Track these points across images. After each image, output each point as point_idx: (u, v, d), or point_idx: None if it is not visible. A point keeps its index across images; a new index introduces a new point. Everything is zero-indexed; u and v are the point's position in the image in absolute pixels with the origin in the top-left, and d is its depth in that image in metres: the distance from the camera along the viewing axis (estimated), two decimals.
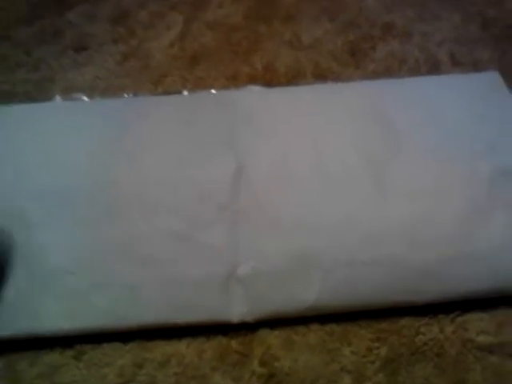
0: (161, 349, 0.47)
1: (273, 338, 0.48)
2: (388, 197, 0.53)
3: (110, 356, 0.47)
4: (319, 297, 0.48)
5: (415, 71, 0.67)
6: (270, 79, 0.67)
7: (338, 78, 0.66)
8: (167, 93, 0.66)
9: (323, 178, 0.55)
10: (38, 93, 0.68)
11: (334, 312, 0.49)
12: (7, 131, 0.60)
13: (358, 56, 0.69)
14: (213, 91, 0.64)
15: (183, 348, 0.47)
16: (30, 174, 0.57)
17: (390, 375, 0.46)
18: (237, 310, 0.48)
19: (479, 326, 0.48)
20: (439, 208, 0.52)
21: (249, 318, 0.48)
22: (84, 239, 0.52)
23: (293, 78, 0.67)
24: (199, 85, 0.67)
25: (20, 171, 0.57)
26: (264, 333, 0.48)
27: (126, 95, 0.66)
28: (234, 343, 0.48)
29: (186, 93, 0.65)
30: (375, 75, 0.66)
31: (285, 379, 0.46)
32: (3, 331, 0.45)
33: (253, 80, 0.67)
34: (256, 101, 0.61)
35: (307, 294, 0.48)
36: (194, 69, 0.69)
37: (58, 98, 0.65)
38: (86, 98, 0.66)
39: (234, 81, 0.67)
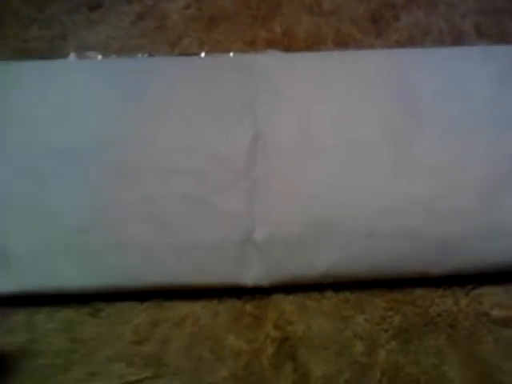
0: (176, 309, 0.47)
1: (287, 303, 0.48)
2: (409, 170, 0.52)
3: (126, 314, 0.47)
4: (335, 264, 0.48)
5: (439, 42, 0.65)
6: (289, 45, 0.65)
7: (359, 45, 0.64)
8: (184, 54, 0.64)
9: (343, 148, 0.54)
10: (50, 50, 0.66)
11: (349, 280, 0.49)
12: (19, 88, 0.59)
13: (380, 24, 0.67)
14: (231, 54, 0.63)
15: (198, 309, 0.47)
16: (42, 133, 0.56)
17: (402, 343, 0.46)
18: (252, 274, 0.48)
19: (494, 299, 0.49)
20: (459, 182, 0.52)
21: (264, 283, 0.48)
22: (98, 200, 0.51)
23: (313, 44, 0.65)
24: (217, 48, 0.65)
25: (33, 129, 0.56)
26: (278, 298, 0.48)
27: (141, 56, 0.64)
28: (249, 306, 0.48)
29: (203, 55, 0.63)
30: (398, 45, 0.65)
31: (298, 343, 0.46)
32: (21, 286, 0.45)
33: (271, 45, 0.65)
34: (277, 66, 0.59)
35: (322, 262, 0.48)
36: (212, 31, 0.67)
37: (72, 55, 0.64)
38: (100, 57, 0.64)
39: (252, 45, 0.66)
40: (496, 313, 0.48)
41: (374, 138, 0.54)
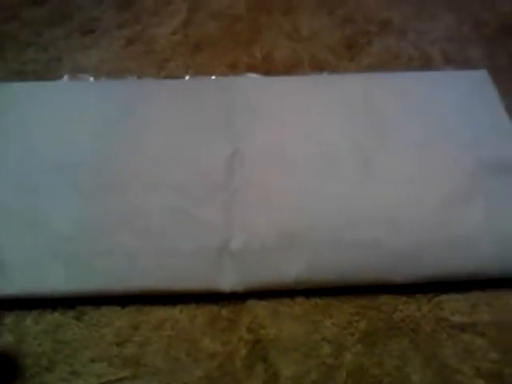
0: (156, 313, 0.50)
1: (260, 308, 0.51)
2: (374, 184, 0.57)
3: (108, 317, 0.50)
4: (305, 272, 0.51)
5: (408, 67, 0.70)
6: (268, 68, 0.70)
7: (333, 69, 0.69)
8: (170, 77, 0.69)
9: (314, 163, 0.58)
10: (46, 72, 0.71)
11: (318, 287, 0.52)
12: (17, 107, 0.63)
13: (354, 50, 0.72)
14: (213, 77, 0.67)
15: (177, 313, 0.50)
16: (37, 149, 0.59)
17: (367, 347, 0.49)
18: (228, 281, 0.51)
19: (454, 306, 0.52)
20: (421, 195, 0.55)
21: (239, 289, 0.51)
22: (87, 210, 0.55)
23: (290, 68, 0.70)
24: (201, 71, 0.70)
25: (28, 146, 0.60)
26: (252, 303, 0.51)
27: (129, 78, 0.69)
28: (224, 311, 0.51)
29: (187, 78, 0.68)
30: (370, 69, 0.69)
31: (269, 345, 0.49)
32: (11, 290, 0.47)
33: (252, 69, 0.70)
34: (254, 88, 0.64)
35: (293, 269, 0.52)
36: (196, 55, 0.72)
37: (65, 77, 0.68)
38: (91, 79, 0.68)
39: (233, 69, 0.70)
40: (456, 318, 0.51)
41: (343, 156, 0.58)
